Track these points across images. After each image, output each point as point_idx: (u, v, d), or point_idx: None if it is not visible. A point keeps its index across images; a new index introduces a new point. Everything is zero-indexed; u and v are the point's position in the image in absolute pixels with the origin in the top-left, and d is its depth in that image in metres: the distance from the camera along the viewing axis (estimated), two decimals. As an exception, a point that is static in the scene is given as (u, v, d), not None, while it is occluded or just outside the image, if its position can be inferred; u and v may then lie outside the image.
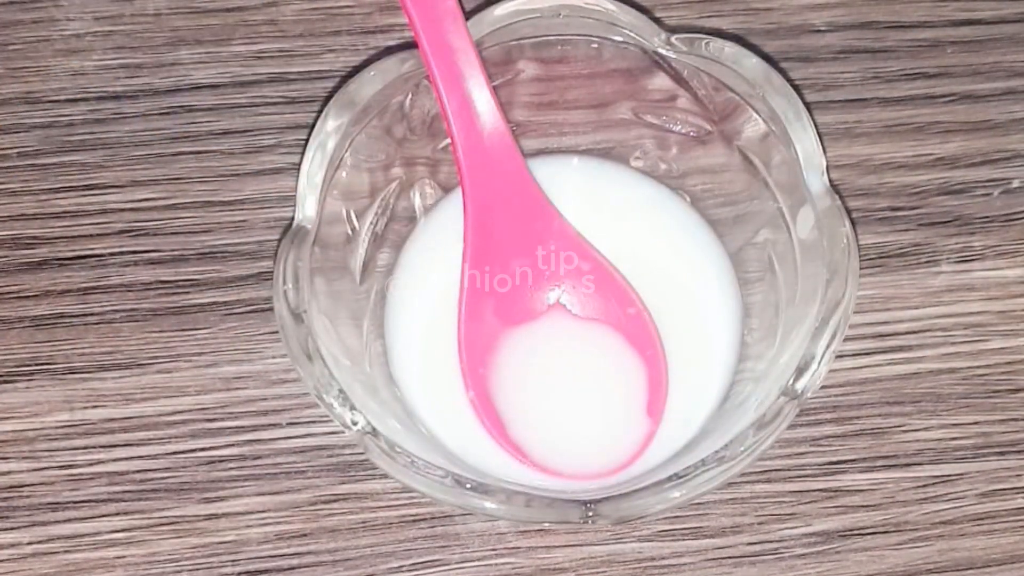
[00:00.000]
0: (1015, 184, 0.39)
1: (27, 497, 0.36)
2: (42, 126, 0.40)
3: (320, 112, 0.34)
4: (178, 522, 0.36)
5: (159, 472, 0.36)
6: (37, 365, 0.37)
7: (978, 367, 0.38)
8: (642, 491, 0.31)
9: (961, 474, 0.37)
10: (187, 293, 0.38)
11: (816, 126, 0.34)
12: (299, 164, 0.33)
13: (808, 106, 0.34)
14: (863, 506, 0.36)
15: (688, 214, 0.38)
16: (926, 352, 0.38)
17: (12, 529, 0.36)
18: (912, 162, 0.40)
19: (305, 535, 0.36)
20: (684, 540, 0.36)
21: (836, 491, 0.37)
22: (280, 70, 0.40)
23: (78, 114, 0.40)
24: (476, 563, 0.36)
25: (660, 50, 0.34)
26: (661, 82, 0.35)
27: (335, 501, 0.36)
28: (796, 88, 0.35)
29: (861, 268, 0.33)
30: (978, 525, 0.36)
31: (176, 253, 0.38)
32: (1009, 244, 0.39)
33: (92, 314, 0.38)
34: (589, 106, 0.37)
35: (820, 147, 0.33)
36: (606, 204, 0.38)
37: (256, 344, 0.38)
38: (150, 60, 0.40)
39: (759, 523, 0.36)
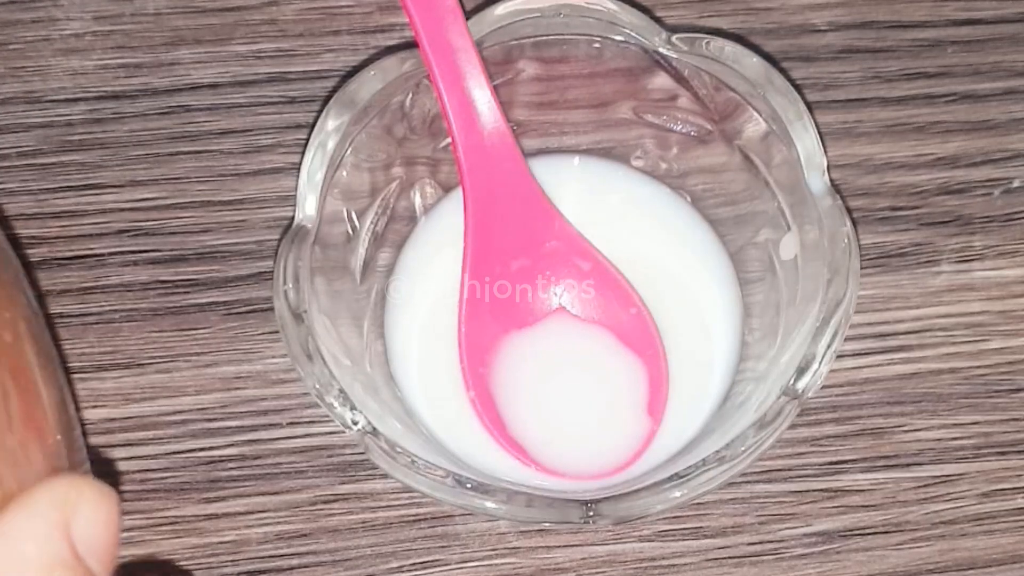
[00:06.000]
0: (1016, 184, 0.39)
1: (26, 497, 0.36)
2: (41, 126, 0.39)
3: (320, 112, 0.34)
4: (178, 522, 0.36)
5: (159, 472, 0.36)
6: (36, 365, 0.37)
7: (979, 367, 0.38)
8: (642, 491, 0.31)
9: (962, 474, 0.37)
10: (186, 293, 0.38)
11: (817, 126, 0.34)
12: (299, 164, 0.33)
13: (809, 106, 0.34)
14: (864, 506, 0.36)
15: (689, 214, 0.38)
16: (927, 352, 0.38)
17: (11, 529, 0.36)
18: (913, 162, 0.40)
19: (305, 535, 0.36)
20: (684, 540, 0.36)
21: (837, 491, 0.37)
22: (280, 70, 0.40)
23: (77, 114, 0.40)
24: (476, 563, 0.36)
25: (661, 49, 0.34)
26: (662, 82, 0.35)
27: (335, 501, 0.36)
28: (797, 88, 0.35)
29: (862, 268, 0.33)
30: (979, 525, 0.36)
31: (175, 253, 0.38)
32: (1010, 244, 0.39)
33: (91, 314, 0.38)
34: (589, 106, 0.37)
35: (821, 147, 0.33)
36: (606, 204, 0.38)
37: (256, 344, 0.38)
38: (150, 60, 0.40)
39: (760, 523, 0.36)
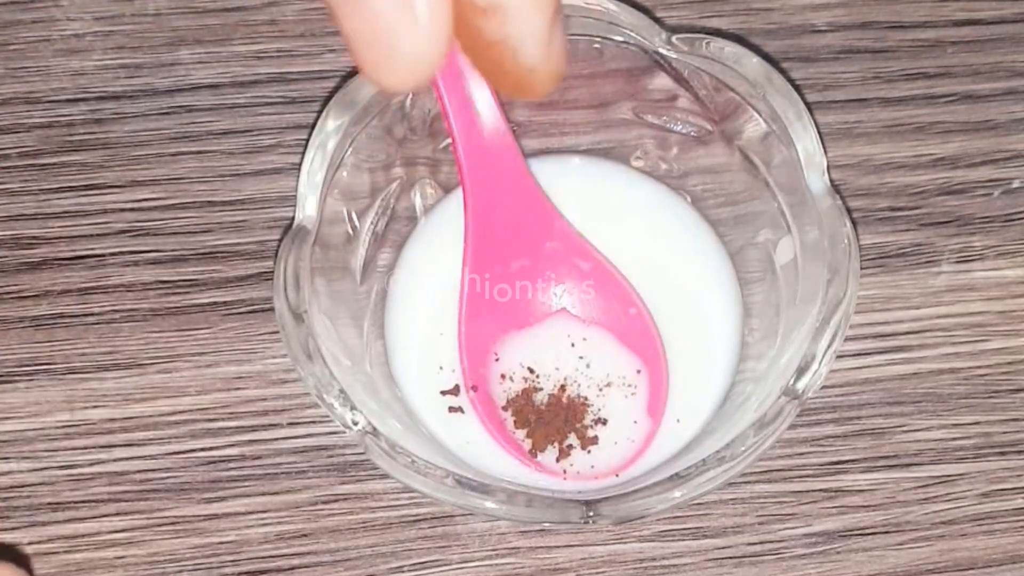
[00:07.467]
0: (1015, 184, 0.39)
1: (27, 497, 0.36)
2: (42, 126, 0.39)
3: (320, 112, 0.34)
4: (178, 522, 0.36)
5: (159, 472, 0.36)
6: (37, 365, 0.37)
7: (979, 367, 0.38)
8: (643, 491, 0.31)
9: (961, 474, 0.37)
10: (187, 293, 0.38)
11: (817, 126, 0.34)
12: (299, 164, 0.33)
13: (809, 106, 0.34)
14: (864, 506, 0.36)
15: (689, 214, 0.38)
16: (927, 352, 0.38)
17: (12, 529, 0.36)
18: (913, 162, 0.40)
19: (305, 535, 0.36)
20: (685, 540, 0.36)
21: (837, 491, 0.37)
22: (280, 70, 0.40)
23: (78, 114, 0.40)
24: (476, 563, 0.36)
25: (661, 50, 0.34)
26: (662, 82, 0.35)
27: (335, 501, 0.36)
28: (797, 88, 0.35)
29: (862, 268, 0.33)
30: (979, 525, 0.36)
31: (176, 253, 0.38)
32: (1009, 244, 0.39)
33: (92, 314, 0.38)
34: (590, 106, 0.37)
35: (821, 147, 0.33)
36: (606, 204, 0.38)
37: (256, 344, 0.38)
38: (150, 60, 0.40)
39: (760, 523, 0.36)
